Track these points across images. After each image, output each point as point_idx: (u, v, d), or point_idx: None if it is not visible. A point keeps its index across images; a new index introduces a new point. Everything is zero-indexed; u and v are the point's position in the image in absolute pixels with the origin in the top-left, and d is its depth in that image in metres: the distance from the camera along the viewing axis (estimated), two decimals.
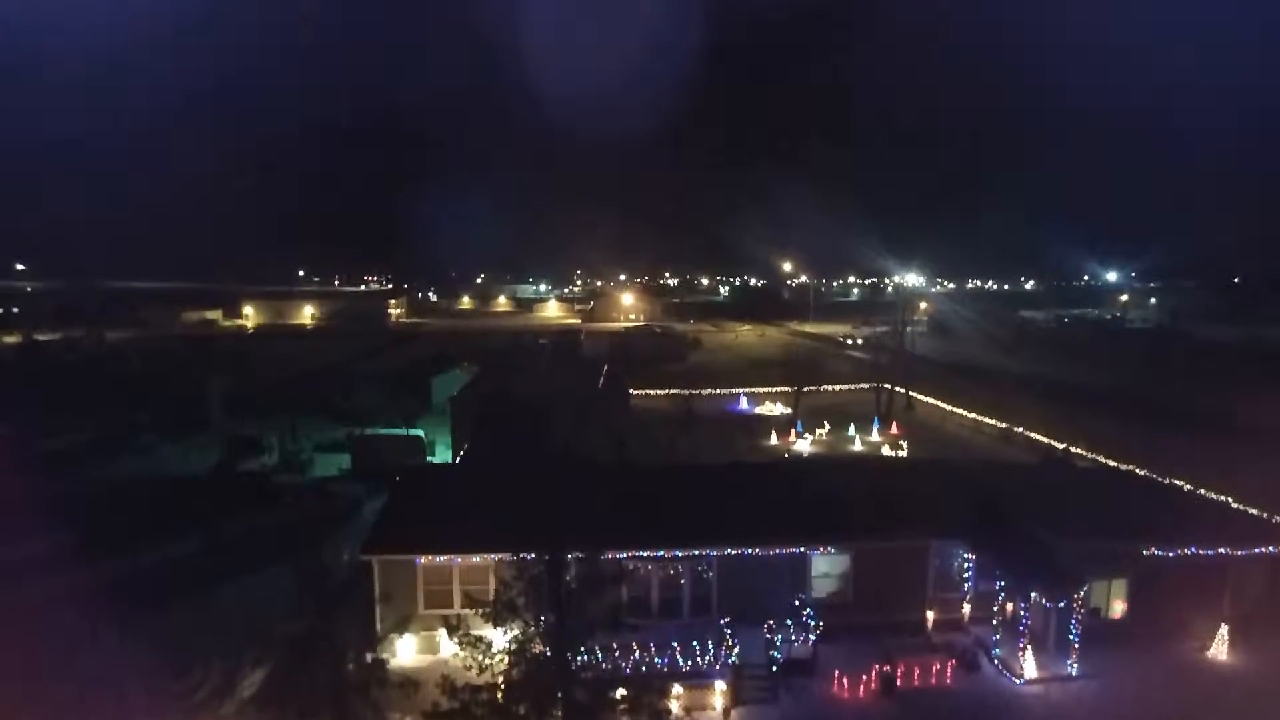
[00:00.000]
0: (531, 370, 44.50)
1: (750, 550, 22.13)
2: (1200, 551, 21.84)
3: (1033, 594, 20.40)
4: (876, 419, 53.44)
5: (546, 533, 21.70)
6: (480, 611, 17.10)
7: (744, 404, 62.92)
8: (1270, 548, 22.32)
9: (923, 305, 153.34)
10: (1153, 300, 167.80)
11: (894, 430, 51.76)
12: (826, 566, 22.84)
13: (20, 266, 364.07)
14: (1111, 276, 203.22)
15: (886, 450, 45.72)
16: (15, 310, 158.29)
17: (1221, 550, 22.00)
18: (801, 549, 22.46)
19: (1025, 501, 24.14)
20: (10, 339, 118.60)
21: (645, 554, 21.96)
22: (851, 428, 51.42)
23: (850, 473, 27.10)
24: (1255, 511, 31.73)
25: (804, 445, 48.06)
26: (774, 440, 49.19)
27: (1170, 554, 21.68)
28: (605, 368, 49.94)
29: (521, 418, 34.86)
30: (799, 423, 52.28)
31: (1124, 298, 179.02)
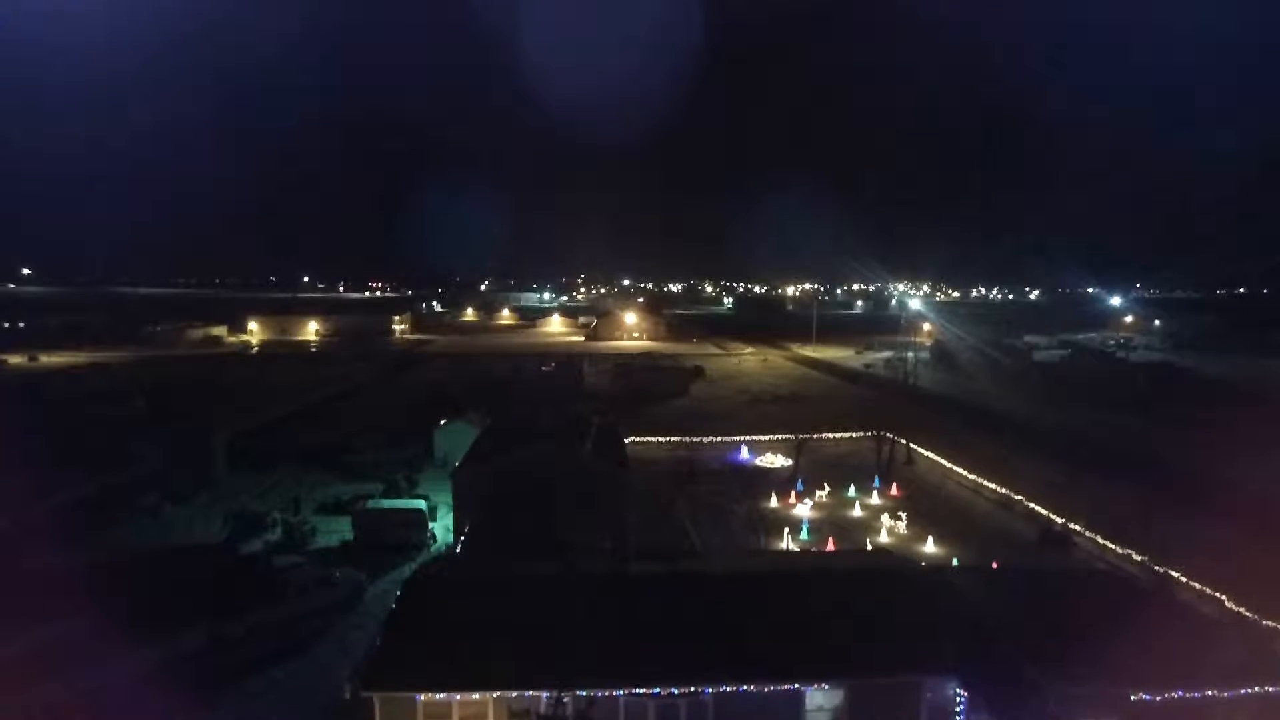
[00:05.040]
0: (531, 433, 45.04)
1: (747, 687, 22.45)
2: (1188, 695, 22.10)
3: None
4: (877, 478, 53.81)
5: (546, 670, 22.20)
6: None
7: (745, 454, 63.20)
8: (1255, 688, 22.56)
9: (925, 327, 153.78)
10: (1157, 323, 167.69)
11: (894, 492, 52.16)
12: (822, 700, 23.18)
13: (26, 271, 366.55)
14: (1115, 301, 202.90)
15: (886, 519, 45.98)
16: (21, 325, 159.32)
17: (1209, 693, 22.25)
18: (797, 685, 22.79)
19: (1018, 624, 24.49)
20: (15, 359, 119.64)
21: (641, 691, 22.28)
22: (851, 488, 51.79)
23: (846, 585, 27.31)
24: (1247, 613, 32.27)
25: (804, 509, 48.41)
26: (774, 503, 49.58)
27: (1158, 699, 21.96)
28: (603, 429, 50.09)
29: (523, 507, 35.25)
30: (800, 481, 52.69)
31: (1128, 319, 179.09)
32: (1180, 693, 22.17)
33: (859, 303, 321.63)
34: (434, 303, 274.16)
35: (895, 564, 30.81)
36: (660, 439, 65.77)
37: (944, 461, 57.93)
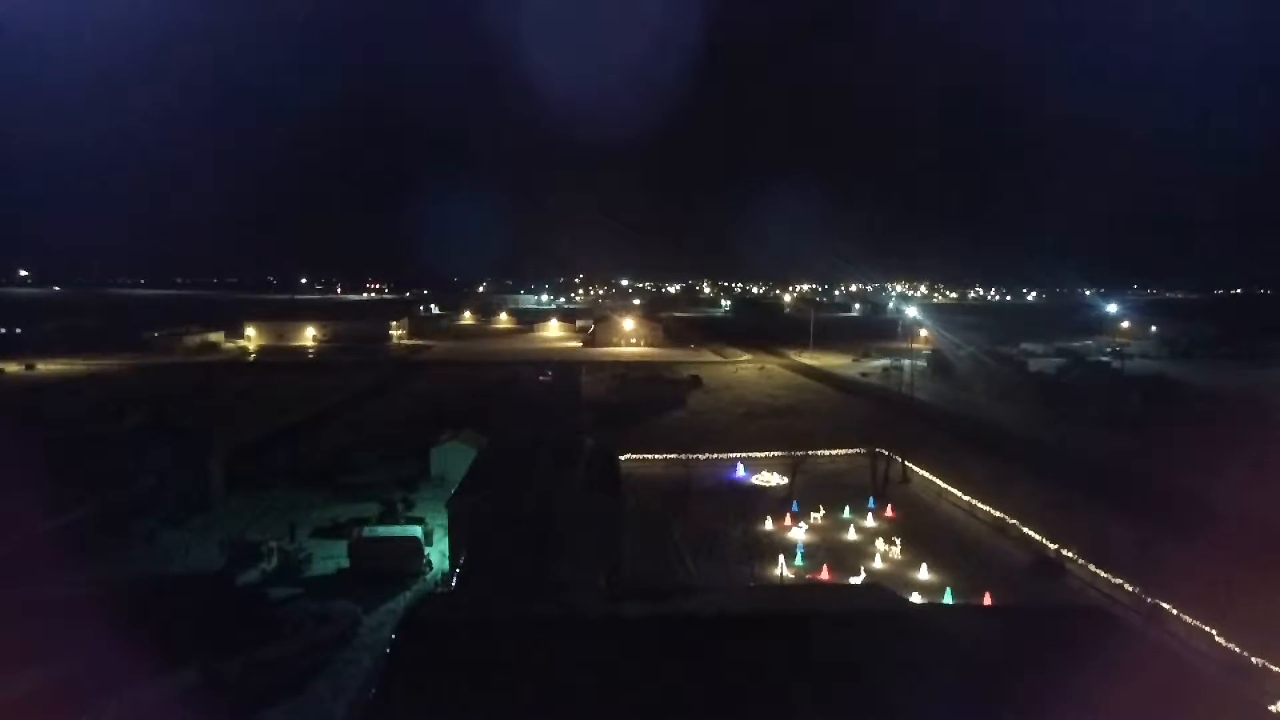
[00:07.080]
0: (529, 456, 45.24)
1: None
2: None
3: None
4: (872, 499, 53.98)
5: None
6: None
7: (741, 472, 63.31)
8: None
9: (923, 333, 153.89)
10: (1153, 329, 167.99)
11: (889, 513, 52.33)
12: None
13: (23, 273, 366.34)
14: (1112, 307, 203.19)
15: (880, 544, 46.15)
16: (19, 331, 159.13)
17: None
18: None
19: (1009, 668, 24.73)
20: (13, 368, 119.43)
21: None
22: (846, 510, 51.93)
23: (838, 627, 27.48)
24: (1236, 649, 32.46)
25: (799, 533, 48.58)
26: (769, 525, 49.79)
27: None
28: (599, 453, 50.29)
29: (519, 539, 35.40)
30: (795, 503, 52.88)
31: (1125, 324, 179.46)
32: None
33: (856, 305, 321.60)
34: (432, 305, 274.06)
35: (887, 603, 30.94)
36: (656, 456, 65.85)
37: (939, 481, 58.04)
